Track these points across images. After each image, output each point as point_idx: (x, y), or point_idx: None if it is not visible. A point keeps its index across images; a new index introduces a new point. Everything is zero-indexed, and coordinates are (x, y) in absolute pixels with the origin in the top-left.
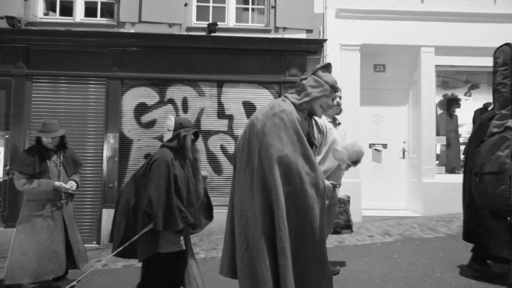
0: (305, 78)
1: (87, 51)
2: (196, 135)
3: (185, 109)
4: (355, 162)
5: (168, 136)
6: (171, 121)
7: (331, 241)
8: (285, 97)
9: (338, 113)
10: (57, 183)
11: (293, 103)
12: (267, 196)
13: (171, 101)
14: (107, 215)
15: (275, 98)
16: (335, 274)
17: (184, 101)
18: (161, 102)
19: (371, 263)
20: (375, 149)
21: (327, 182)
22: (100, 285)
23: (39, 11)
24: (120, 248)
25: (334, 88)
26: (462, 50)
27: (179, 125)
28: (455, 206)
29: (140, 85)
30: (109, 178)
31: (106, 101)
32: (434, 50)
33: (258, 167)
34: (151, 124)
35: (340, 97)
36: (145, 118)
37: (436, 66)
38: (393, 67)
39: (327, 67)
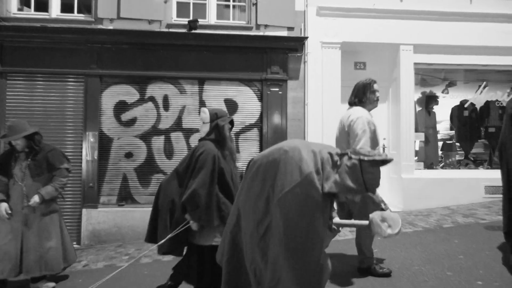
0: (351, 159)
1: (64, 48)
2: (231, 123)
3: (166, 107)
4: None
5: (205, 129)
6: (205, 114)
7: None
8: (322, 165)
9: (376, 106)
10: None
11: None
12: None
13: (152, 99)
14: (87, 215)
15: (257, 95)
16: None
17: (165, 99)
18: (142, 100)
19: (351, 257)
20: None
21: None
22: (81, 285)
23: (12, 6)
24: (160, 242)
25: (366, 191)
26: (440, 48)
27: (214, 116)
28: (434, 201)
29: (119, 83)
30: (89, 177)
31: (84, 99)
32: (413, 48)
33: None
34: (132, 122)
35: (378, 91)
36: (125, 116)
37: (415, 64)
38: (373, 64)
39: (378, 164)
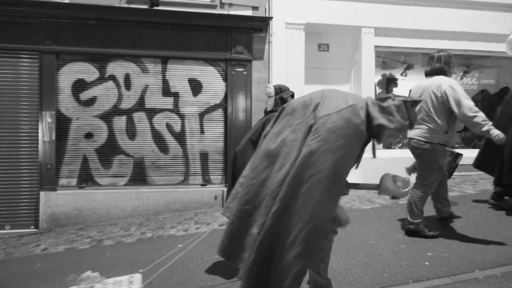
0: (395, 100)
1: (15, 21)
2: (293, 96)
3: (128, 86)
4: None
5: (270, 102)
6: (270, 89)
7: None
8: (367, 105)
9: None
10: None
11: (372, 117)
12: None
13: (112, 78)
14: (46, 198)
15: (221, 75)
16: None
17: (127, 78)
18: (102, 79)
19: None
20: None
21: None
22: (40, 269)
23: None
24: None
25: (410, 127)
26: (399, 31)
27: (278, 90)
28: None
29: (77, 60)
30: (46, 159)
31: (39, 77)
32: (374, 31)
33: (308, 156)
34: (91, 101)
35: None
36: (84, 95)
37: (376, 46)
38: (337, 47)
39: (416, 104)
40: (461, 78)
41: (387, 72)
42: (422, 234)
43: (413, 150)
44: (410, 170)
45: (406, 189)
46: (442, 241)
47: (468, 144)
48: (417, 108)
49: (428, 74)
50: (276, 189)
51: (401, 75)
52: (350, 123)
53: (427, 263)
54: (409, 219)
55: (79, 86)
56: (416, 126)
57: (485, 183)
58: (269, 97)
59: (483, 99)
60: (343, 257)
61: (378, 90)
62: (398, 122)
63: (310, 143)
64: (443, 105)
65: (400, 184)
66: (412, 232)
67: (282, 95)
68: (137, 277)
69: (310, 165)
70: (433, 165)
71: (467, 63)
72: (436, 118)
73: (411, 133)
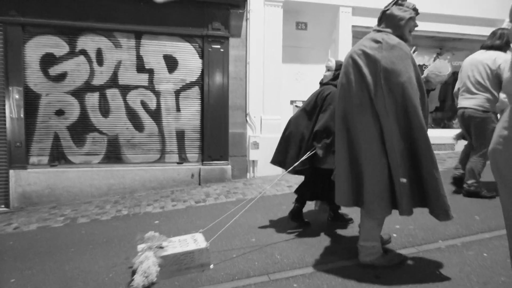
0: (387, 10)
1: None
2: None
3: (100, 62)
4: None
5: (328, 75)
6: (331, 62)
7: (253, 192)
8: (379, 31)
9: None
10: None
11: (397, 35)
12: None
13: (84, 53)
14: (16, 176)
15: (197, 52)
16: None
17: (99, 53)
18: (72, 53)
19: (288, 209)
20: (296, 106)
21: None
22: (12, 247)
23: None
24: (293, 166)
25: (416, 11)
26: (377, 12)
27: (339, 66)
28: None
29: (45, 33)
30: (15, 137)
31: (4, 50)
32: (352, 11)
33: (388, 97)
34: (61, 77)
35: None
36: (54, 70)
37: (353, 26)
38: (314, 25)
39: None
40: (434, 60)
41: None
42: (481, 195)
43: (469, 119)
44: (458, 137)
45: (448, 72)
46: (410, 216)
47: (438, 125)
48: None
49: (486, 47)
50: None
51: None
52: (395, 49)
53: (395, 235)
54: (470, 182)
55: (48, 60)
56: (469, 96)
57: (453, 161)
58: (328, 70)
59: (454, 81)
60: (323, 228)
61: None
62: (407, 13)
63: None
64: (497, 78)
65: (438, 72)
66: (472, 193)
67: (340, 71)
68: (199, 236)
69: None
70: (489, 131)
71: (440, 45)
72: (492, 89)
73: (464, 103)
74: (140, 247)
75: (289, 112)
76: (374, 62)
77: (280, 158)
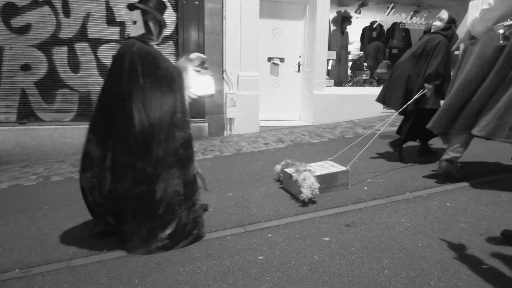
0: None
1: None
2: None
3: (67, 13)
4: None
5: (439, 24)
6: (445, 14)
7: (230, 150)
8: None
9: None
10: None
11: None
12: None
13: (48, 3)
14: None
15: (171, 4)
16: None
17: (65, 4)
18: (35, 3)
19: (264, 165)
20: (273, 63)
21: None
22: None
23: None
24: (405, 105)
25: None
26: None
27: (451, 21)
28: (340, 115)
29: None
30: None
31: None
32: None
33: None
34: (25, 29)
35: None
36: (17, 22)
37: None
38: None
39: None
40: (411, 18)
41: (342, 9)
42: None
43: None
44: None
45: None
46: (380, 169)
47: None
48: None
49: None
50: None
51: (355, 12)
52: None
53: (365, 188)
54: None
55: (10, 10)
56: None
57: None
58: (440, 21)
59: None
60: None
61: (333, 28)
62: None
63: None
64: None
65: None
66: None
67: (452, 26)
68: (332, 163)
69: None
70: None
71: (418, 2)
72: None
73: None
74: (288, 170)
75: (266, 69)
76: None
77: (386, 97)
